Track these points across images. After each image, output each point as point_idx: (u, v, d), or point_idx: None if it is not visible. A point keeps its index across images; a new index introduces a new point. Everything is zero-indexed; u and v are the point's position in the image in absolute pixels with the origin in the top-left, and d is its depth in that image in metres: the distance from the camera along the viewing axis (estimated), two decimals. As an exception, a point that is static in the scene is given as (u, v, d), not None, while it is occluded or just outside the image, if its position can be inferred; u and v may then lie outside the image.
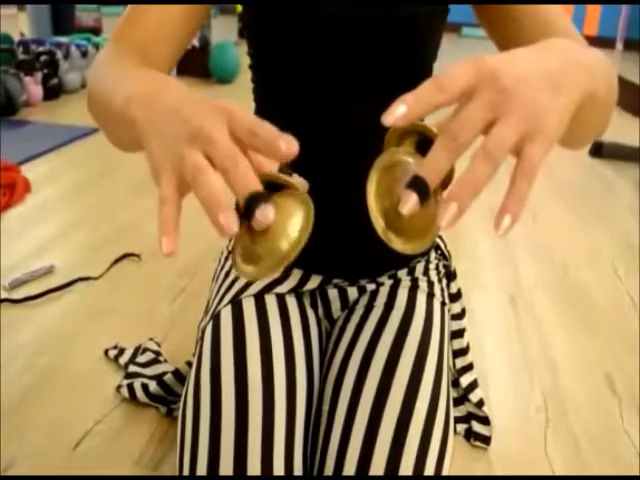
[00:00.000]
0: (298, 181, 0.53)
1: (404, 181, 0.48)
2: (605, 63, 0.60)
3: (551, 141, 0.48)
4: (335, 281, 0.96)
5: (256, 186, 0.47)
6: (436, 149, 0.47)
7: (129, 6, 0.82)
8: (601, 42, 6.71)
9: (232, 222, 0.45)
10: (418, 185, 0.47)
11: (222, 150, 0.47)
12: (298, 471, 0.76)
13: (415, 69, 0.87)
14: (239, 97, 3.90)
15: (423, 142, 0.53)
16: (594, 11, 7.12)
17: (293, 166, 0.51)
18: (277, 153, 0.48)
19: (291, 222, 0.50)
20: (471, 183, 0.46)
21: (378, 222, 0.54)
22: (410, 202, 0.47)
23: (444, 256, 1.09)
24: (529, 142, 0.47)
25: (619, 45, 6.88)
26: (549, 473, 1.21)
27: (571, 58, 0.52)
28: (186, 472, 0.76)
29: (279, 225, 0.49)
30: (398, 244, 0.53)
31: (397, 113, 0.48)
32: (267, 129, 0.48)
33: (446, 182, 0.49)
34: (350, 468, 0.74)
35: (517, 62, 0.49)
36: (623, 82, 4.14)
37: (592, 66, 0.54)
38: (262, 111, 0.95)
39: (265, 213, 0.47)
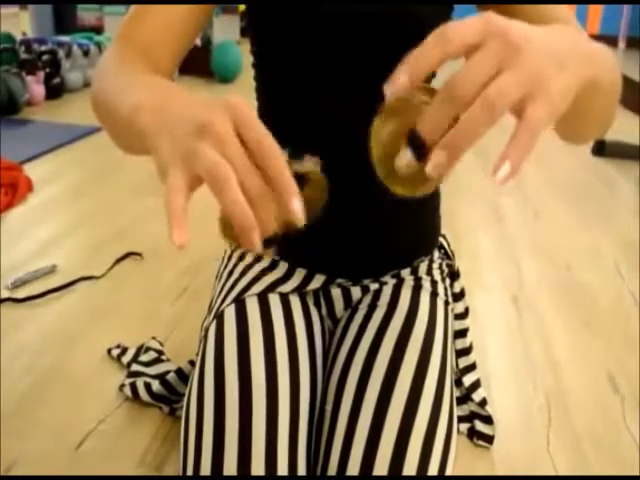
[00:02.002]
0: (313, 168, 0.53)
1: (407, 126, 0.47)
2: (610, 57, 0.59)
3: (554, 110, 0.47)
4: (338, 281, 0.96)
5: (273, 225, 0.48)
6: (436, 102, 0.46)
7: (132, 6, 0.82)
8: (603, 40, 6.65)
9: (259, 245, 0.47)
10: (415, 142, 0.47)
11: (232, 151, 0.47)
12: (302, 471, 0.76)
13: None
14: (241, 96, 3.90)
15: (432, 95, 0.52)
16: (596, 10, 7.11)
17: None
18: (288, 203, 0.47)
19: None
20: (465, 130, 0.45)
21: (380, 170, 0.53)
22: (404, 160, 0.47)
23: (447, 255, 1.09)
24: (532, 102, 0.46)
25: (621, 43, 6.86)
26: (551, 472, 1.21)
27: (576, 44, 0.52)
28: (190, 472, 0.76)
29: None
30: (399, 190, 0.53)
31: (399, 83, 0.47)
32: (277, 160, 0.48)
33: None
34: (354, 468, 0.74)
35: (527, 29, 0.49)
36: (626, 80, 4.12)
37: (596, 55, 0.54)
38: (265, 109, 0.95)
39: (275, 253, 0.48)
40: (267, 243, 0.48)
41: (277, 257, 0.95)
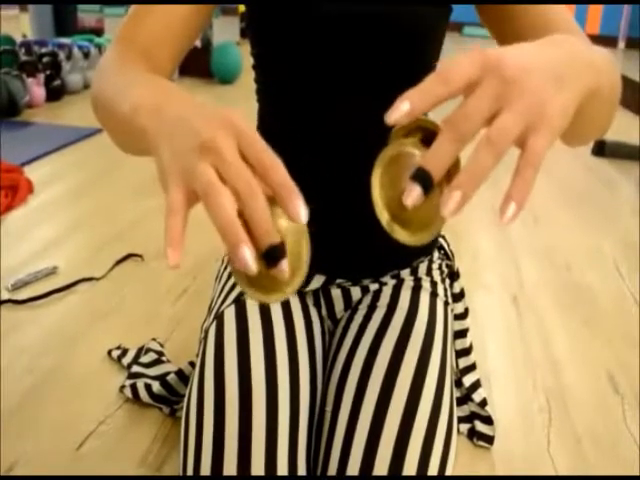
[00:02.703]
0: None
1: (409, 173, 0.48)
2: (609, 60, 0.59)
3: (555, 132, 0.48)
4: (338, 281, 0.96)
5: (277, 235, 0.47)
6: (440, 140, 0.47)
7: (132, 7, 0.82)
8: (603, 41, 6.71)
9: (252, 261, 0.46)
10: (422, 177, 0.47)
11: (234, 170, 0.47)
12: (302, 471, 0.76)
13: (418, 69, 0.87)
14: (241, 97, 3.91)
15: (428, 137, 0.53)
16: (596, 10, 7.11)
17: (296, 168, 0.51)
18: (293, 214, 0.47)
19: (299, 259, 0.51)
20: (475, 172, 0.46)
21: (383, 214, 0.54)
22: (414, 194, 0.47)
23: (447, 256, 1.09)
24: (533, 133, 0.47)
25: (621, 44, 6.87)
26: (552, 472, 1.21)
27: (575, 53, 0.52)
28: (190, 472, 0.76)
29: (289, 262, 0.49)
30: (403, 236, 0.53)
31: (401, 110, 0.48)
32: (278, 170, 0.48)
33: (452, 173, 0.49)
34: (354, 468, 0.75)
35: (521, 54, 0.49)
36: (625, 81, 4.13)
37: (596, 62, 0.54)
38: (265, 111, 0.95)
39: (284, 268, 0.48)
40: (271, 256, 0.47)
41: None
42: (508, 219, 0.47)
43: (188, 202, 0.48)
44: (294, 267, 0.51)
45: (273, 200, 0.48)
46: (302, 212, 0.47)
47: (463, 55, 0.48)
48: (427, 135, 0.53)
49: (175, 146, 0.50)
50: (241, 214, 0.47)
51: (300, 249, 0.52)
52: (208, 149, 0.48)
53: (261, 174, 0.48)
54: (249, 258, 0.46)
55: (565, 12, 0.78)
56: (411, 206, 0.48)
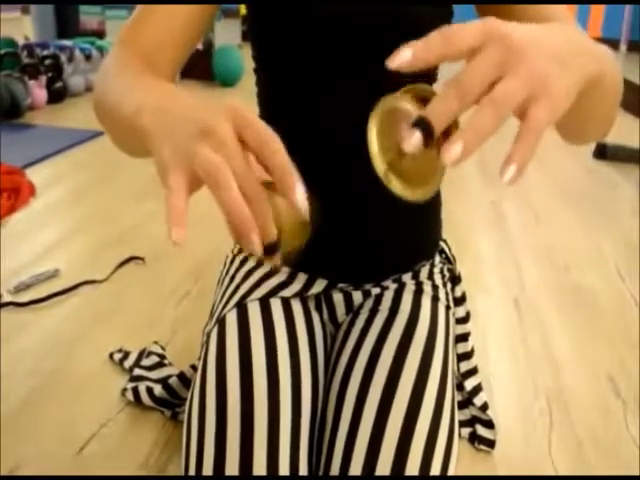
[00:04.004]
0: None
1: (407, 124, 0.47)
2: (611, 56, 0.60)
3: (557, 108, 0.47)
4: (340, 285, 0.96)
5: (273, 233, 0.49)
6: (442, 95, 0.47)
7: (135, 10, 0.82)
8: (605, 44, 6.66)
9: (259, 246, 0.48)
10: (423, 124, 0.46)
11: (231, 156, 0.48)
12: (303, 471, 0.77)
13: (419, 71, 0.87)
14: (243, 100, 3.91)
15: (426, 103, 0.51)
16: (598, 13, 7.11)
17: (299, 171, 0.52)
18: (290, 195, 0.48)
19: (296, 235, 0.52)
20: (477, 127, 0.45)
21: (379, 163, 0.51)
22: (414, 140, 0.46)
23: (448, 260, 1.09)
24: (535, 104, 0.46)
25: (623, 47, 6.87)
26: (553, 476, 1.21)
27: (578, 41, 0.52)
28: (192, 474, 0.77)
29: (284, 238, 0.50)
30: (398, 188, 0.51)
31: (403, 57, 0.47)
32: (278, 154, 0.49)
33: (450, 134, 0.47)
34: (356, 470, 0.75)
35: (528, 30, 0.49)
36: (627, 83, 4.13)
37: (598, 51, 0.54)
38: (266, 114, 0.95)
39: (278, 263, 0.50)
40: (269, 249, 0.49)
41: (286, 269, 0.95)
42: (507, 181, 0.46)
43: (190, 187, 0.49)
44: (292, 236, 0.52)
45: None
46: (300, 196, 0.48)
47: (466, 23, 0.48)
48: (424, 101, 0.51)
49: (175, 140, 0.51)
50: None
51: (297, 230, 0.52)
52: (207, 134, 0.49)
53: (261, 158, 0.48)
54: (257, 244, 0.48)
55: (565, 12, 0.79)
56: (411, 152, 0.46)
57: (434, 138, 0.47)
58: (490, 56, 0.46)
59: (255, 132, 0.49)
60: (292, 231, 0.52)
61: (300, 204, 0.48)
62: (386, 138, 0.51)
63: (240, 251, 1.03)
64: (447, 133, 0.47)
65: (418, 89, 0.52)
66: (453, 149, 0.45)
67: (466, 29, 0.47)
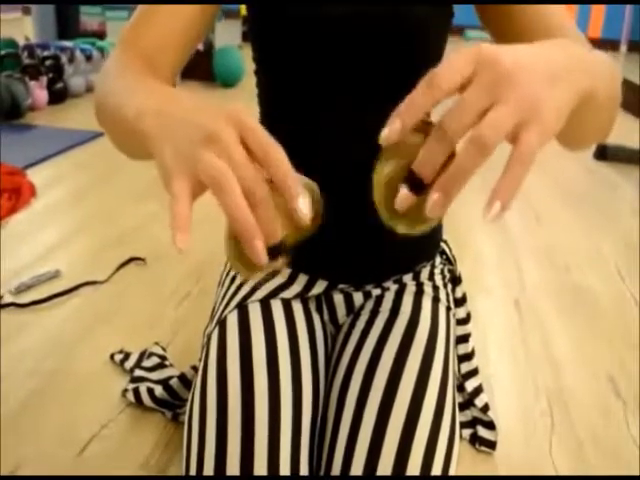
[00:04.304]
0: (312, 187, 0.55)
1: (406, 171, 0.49)
2: (609, 65, 0.59)
3: (548, 132, 0.47)
4: (340, 286, 0.96)
5: (278, 234, 0.50)
6: (430, 142, 0.47)
7: (136, 11, 0.82)
8: (605, 44, 6.70)
9: (264, 254, 0.48)
10: (412, 181, 0.48)
11: (237, 162, 0.48)
12: (304, 471, 0.77)
13: (419, 71, 0.87)
14: (243, 101, 3.90)
15: (429, 129, 0.53)
16: (598, 13, 7.12)
17: (297, 173, 0.52)
18: (292, 202, 0.49)
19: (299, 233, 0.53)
20: (458, 172, 0.46)
21: (383, 212, 0.54)
22: (404, 200, 0.49)
23: (449, 261, 1.09)
24: (526, 130, 0.46)
25: (623, 47, 6.87)
26: (554, 476, 1.21)
27: (571, 57, 0.52)
28: (193, 474, 0.77)
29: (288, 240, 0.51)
30: (403, 229, 0.54)
31: (393, 131, 0.49)
32: (281, 164, 0.49)
33: (448, 165, 0.49)
34: (357, 471, 0.75)
35: (517, 52, 0.49)
36: (627, 84, 4.13)
37: (592, 66, 0.54)
38: (266, 115, 0.95)
39: (283, 264, 0.50)
40: (273, 253, 0.49)
41: (288, 270, 0.95)
42: (491, 217, 0.46)
43: (193, 193, 0.49)
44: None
45: None
46: (302, 205, 0.49)
47: (457, 54, 0.48)
48: (428, 128, 0.52)
49: (178, 144, 0.51)
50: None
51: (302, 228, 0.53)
52: (211, 140, 0.49)
53: (264, 167, 0.49)
54: (261, 251, 0.48)
55: (565, 13, 0.79)
56: (402, 210, 0.49)
57: (425, 188, 0.48)
58: (479, 85, 0.47)
59: (257, 138, 0.49)
60: (296, 232, 0.53)
61: (302, 212, 0.49)
62: (388, 189, 0.54)
63: (230, 270, 1.03)
64: (445, 168, 0.48)
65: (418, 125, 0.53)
66: (432, 201, 0.47)
67: (452, 66, 0.48)
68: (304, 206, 0.49)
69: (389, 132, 0.49)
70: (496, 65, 0.47)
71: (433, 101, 0.48)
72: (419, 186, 0.49)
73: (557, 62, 0.50)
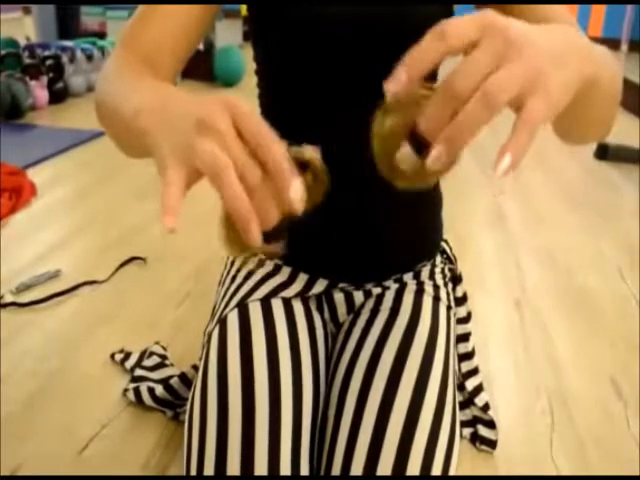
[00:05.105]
0: (313, 155, 0.54)
1: (405, 135, 0.48)
2: (610, 57, 0.60)
3: (554, 104, 0.47)
4: (341, 285, 0.96)
5: (274, 217, 0.49)
6: (435, 99, 0.47)
7: (136, 11, 0.82)
8: (606, 43, 6.64)
9: (259, 236, 0.48)
10: (414, 138, 0.47)
11: (233, 148, 0.48)
12: (305, 473, 0.77)
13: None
14: (244, 101, 3.91)
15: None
16: (599, 12, 7.11)
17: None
18: (285, 188, 0.49)
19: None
20: (463, 125, 0.45)
21: (381, 165, 0.53)
22: (406, 158, 0.48)
23: (450, 260, 1.09)
24: (530, 97, 0.46)
25: (624, 46, 6.86)
26: (554, 476, 1.21)
27: (575, 43, 0.52)
28: (193, 474, 0.77)
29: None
30: (401, 184, 0.53)
31: (399, 81, 0.47)
32: (274, 150, 0.49)
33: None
34: (357, 470, 0.75)
35: (526, 28, 0.49)
36: (627, 83, 4.12)
37: (595, 53, 0.54)
38: (267, 115, 0.95)
39: (280, 250, 0.50)
40: (270, 238, 0.49)
41: (281, 261, 0.95)
42: (501, 172, 0.46)
43: (187, 179, 0.49)
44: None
45: None
46: (295, 191, 0.48)
47: (466, 16, 0.48)
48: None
49: (174, 136, 0.51)
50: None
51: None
52: (205, 126, 0.49)
53: (257, 153, 0.49)
54: (257, 235, 0.48)
55: (566, 12, 0.78)
56: (406, 168, 0.48)
57: (428, 146, 0.47)
58: (488, 49, 0.46)
59: (251, 124, 0.50)
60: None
61: (295, 198, 0.48)
62: (389, 143, 0.52)
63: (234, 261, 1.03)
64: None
65: (418, 89, 0.52)
66: (435, 155, 0.46)
67: (462, 25, 0.47)
68: (297, 193, 0.48)
69: (394, 83, 0.48)
70: (505, 32, 0.47)
71: (441, 51, 0.47)
72: (421, 144, 0.47)
73: (562, 46, 0.50)
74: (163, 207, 0.48)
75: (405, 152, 0.48)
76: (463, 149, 0.46)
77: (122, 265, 1.91)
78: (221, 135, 0.48)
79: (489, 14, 0.48)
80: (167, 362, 1.43)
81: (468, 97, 0.46)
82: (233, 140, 0.49)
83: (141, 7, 0.82)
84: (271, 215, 0.49)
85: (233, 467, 0.74)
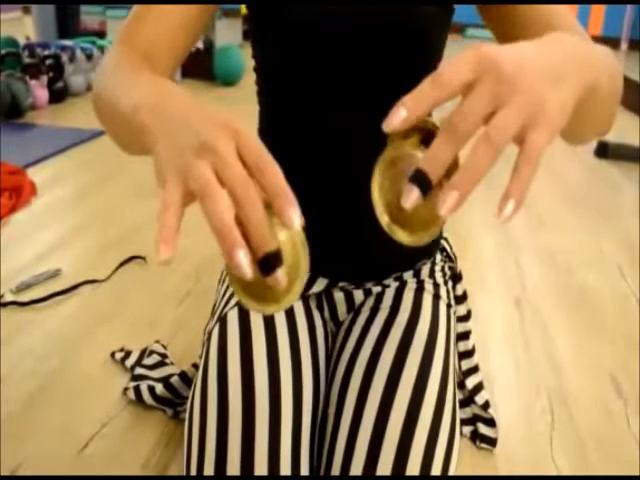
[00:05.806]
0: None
1: (407, 175, 0.48)
2: (610, 58, 0.59)
3: (554, 129, 0.48)
4: (341, 284, 0.96)
5: (273, 243, 0.47)
6: (438, 141, 0.47)
7: (133, 8, 0.82)
8: (606, 42, 6.65)
9: (247, 266, 0.45)
10: (420, 178, 0.47)
11: (232, 172, 0.47)
12: (305, 472, 0.77)
13: (419, 69, 0.87)
14: (243, 100, 3.90)
15: (428, 137, 0.53)
16: (599, 11, 7.11)
17: (297, 171, 0.51)
18: (285, 216, 0.47)
19: (297, 269, 0.50)
20: (471, 171, 0.46)
21: (382, 216, 0.54)
22: (412, 196, 0.47)
23: (450, 258, 1.09)
24: (531, 130, 0.47)
25: (623, 45, 6.87)
26: (555, 475, 1.21)
27: (572, 50, 0.52)
28: (193, 473, 0.77)
29: (287, 273, 0.48)
30: (403, 237, 0.53)
31: (397, 118, 0.48)
32: (275, 175, 0.48)
33: (451, 171, 0.48)
34: (356, 470, 0.75)
35: (518, 52, 0.49)
36: (627, 82, 4.13)
37: (594, 59, 0.54)
38: (266, 114, 0.95)
39: (281, 278, 0.47)
40: (266, 265, 0.47)
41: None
42: (506, 217, 0.47)
43: (184, 200, 0.49)
44: (291, 278, 0.50)
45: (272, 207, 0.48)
46: (296, 219, 0.47)
47: (459, 56, 0.48)
48: (426, 135, 0.53)
49: (173, 143, 0.50)
50: (238, 218, 0.46)
51: (298, 260, 0.51)
52: (207, 149, 0.48)
53: (258, 178, 0.48)
54: (244, 263, 0.45)
55: (567, 11, 0.78)
56: (409, 208, 0.48)
57: (431, 188, 0.48)
58: (483, 91, 0.47)
59: (254, 151, 0.49)
60: (293, 255, 0.50)
61: (294, 226, 0.47)
62: (389, 190, 0.53)
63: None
64: (448, 173, 0.48)
65: (421, 124, 0.53)
66: (448, 200, 0.46)
67: (456, 67, 0.48)
68: (297, 218, 0.47)
69: (394, 120, 0.48)
70: (498, 69, 0.47)
71: (438, 99, 0.48)
72: (427, 185, 0.47)
73: (559, 59, 0.50)
74: (161, 234, 0.46)
75: (411, 193, 0.47)
76: (470, 194, 0.47)
77: (122, 264, 1.91)
78: (223, 160, 0.47)
79: (481, 50, 0.48)
80: (167, 361, 1.43)
81: (470, 137, 0.47)
82: (236, 166, 0.47)
83: (136, 7, 0.82)
84: (268, 238, 0.47)
85: (233, 466, 0.74)
